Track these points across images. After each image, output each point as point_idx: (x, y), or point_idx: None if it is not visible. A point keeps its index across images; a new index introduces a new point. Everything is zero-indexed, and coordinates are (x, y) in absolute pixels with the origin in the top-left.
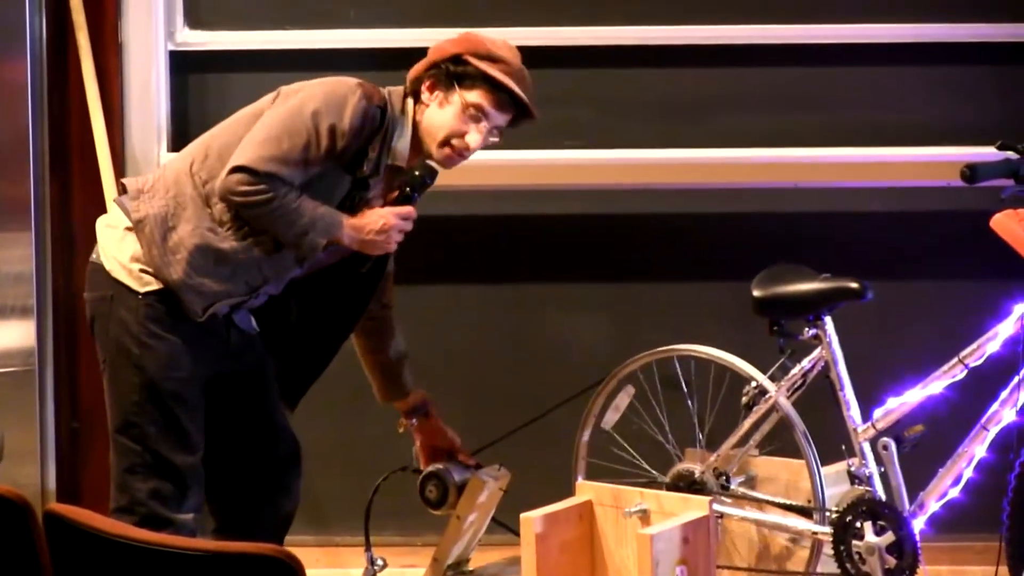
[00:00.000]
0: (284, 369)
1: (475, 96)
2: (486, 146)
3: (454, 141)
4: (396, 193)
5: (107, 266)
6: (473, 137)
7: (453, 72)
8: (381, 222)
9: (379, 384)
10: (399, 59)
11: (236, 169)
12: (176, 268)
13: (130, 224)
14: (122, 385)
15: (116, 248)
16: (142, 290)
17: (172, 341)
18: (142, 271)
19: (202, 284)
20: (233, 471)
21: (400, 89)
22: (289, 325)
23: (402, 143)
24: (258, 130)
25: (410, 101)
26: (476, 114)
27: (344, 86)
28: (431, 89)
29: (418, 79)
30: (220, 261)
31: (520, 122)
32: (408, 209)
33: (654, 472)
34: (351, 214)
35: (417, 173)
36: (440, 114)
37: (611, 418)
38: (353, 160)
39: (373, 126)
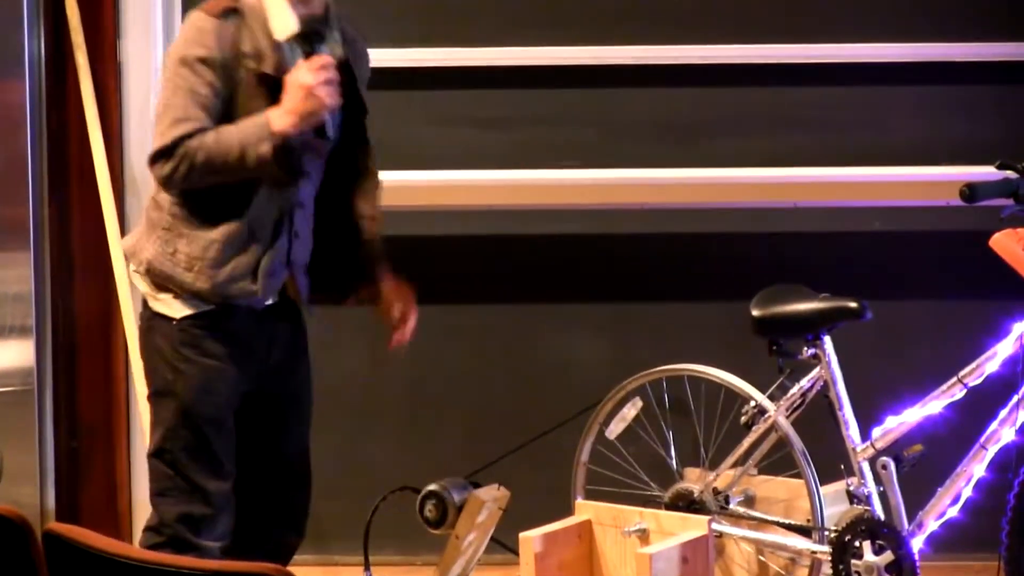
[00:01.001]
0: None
1: None
2: None
3: None
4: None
5: (147, 300)
6: None
7: None
8: (301, 91)
9: None
10: (400, 79)
11: (151, 161)
12: (203, 278)
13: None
14: (160, 411)
15: (146, 286)
16: (177, 315)
17: (206, 364)
18: (174, 297)
19: (233, 269)
20: (243, 495)
21: None
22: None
23: (275, 9)
24: (155, 113)
25: None
26: None
27: (190, 18)
28: None
29: None
30: (228, 240)
31: None
32: (318, 59)
33: (654, 485)
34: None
35: (300, 29)
36: None
37: (616, 428)
38: (244, 65)
39: (234, 30)
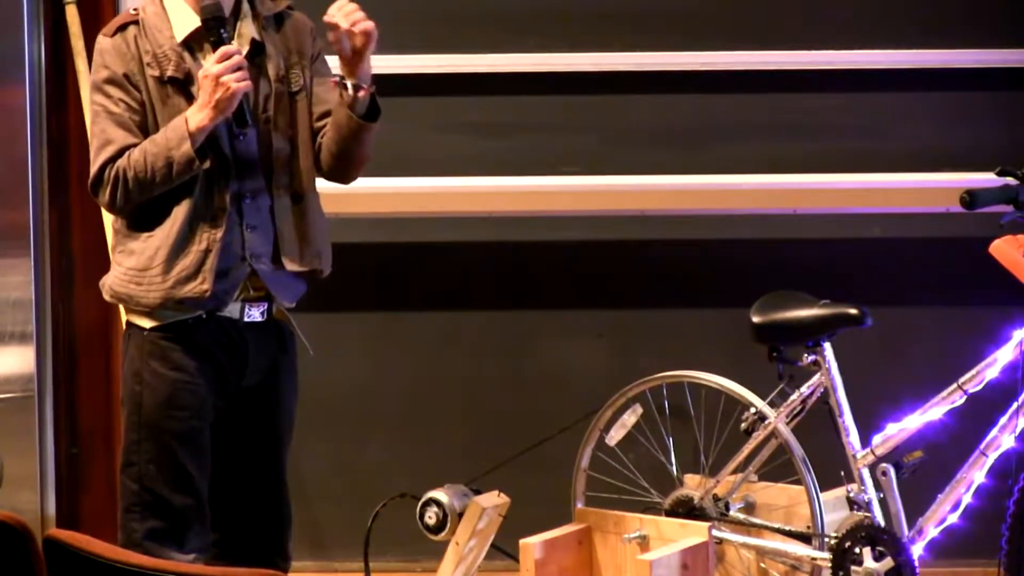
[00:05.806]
0: None
1: None
2: None
3: None
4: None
5: (124, 311)
6: None
7: None
8: (209, 83)
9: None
10: (399, 86)
11: (92, 193)
12: (153, 289)
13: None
14: (127, 423)
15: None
16: (147, 326)
17: (173, 377)
18: (141, 312)
19: (180, 272)
20: (220, 517)
21: None
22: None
23: (176, 15)
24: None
25: None
26: None
27: (96, 45)
28: None
29: None
30: (170, 245)
31: None
32: (223, 50)
33: (654, 491)
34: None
35: (203, 21)
36: None
37: (616, 435)
38: (148, 74)
39: (133, 42)
